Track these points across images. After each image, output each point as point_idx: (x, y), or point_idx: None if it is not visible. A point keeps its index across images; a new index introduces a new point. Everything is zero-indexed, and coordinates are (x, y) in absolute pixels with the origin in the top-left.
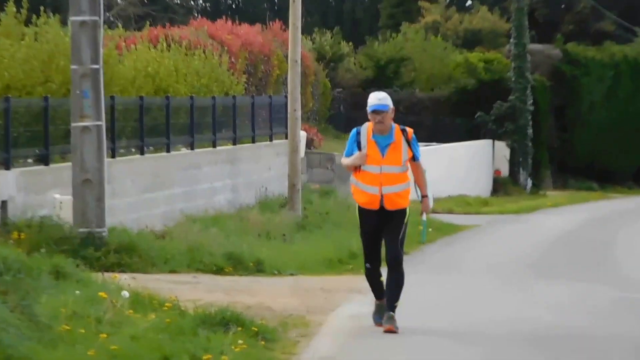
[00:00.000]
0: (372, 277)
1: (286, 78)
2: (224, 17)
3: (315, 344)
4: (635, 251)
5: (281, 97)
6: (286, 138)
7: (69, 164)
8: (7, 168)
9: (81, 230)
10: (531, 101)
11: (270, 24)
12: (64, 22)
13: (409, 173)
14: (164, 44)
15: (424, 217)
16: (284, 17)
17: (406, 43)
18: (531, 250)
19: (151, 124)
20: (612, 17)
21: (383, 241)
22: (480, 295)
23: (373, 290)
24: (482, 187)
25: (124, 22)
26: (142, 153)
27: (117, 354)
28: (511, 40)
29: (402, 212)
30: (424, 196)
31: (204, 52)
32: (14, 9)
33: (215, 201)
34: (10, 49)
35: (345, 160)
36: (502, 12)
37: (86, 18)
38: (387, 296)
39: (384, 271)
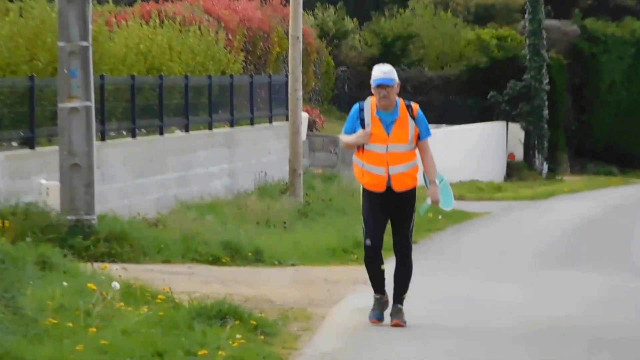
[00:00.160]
0: (373, 261)
1: (287, 56)
2: None
3: (318, 338)
4: None
5: (281, 76)
6: (287, 120)
7: (56, 147)
8: None
9: (69, 217)
10: (547, 80)
11: None
12: None
13: (417, 153)
14: (157, 20)
15: (429, 201)
16: None
17: (414, 19)
18: (547, 239)
19: (143, 104)
20: None
21: (391, 229)
22: (492, 286)
23: (371, 280)
24: (495, 171)
25: None
26: (133, 136)
27: (107, 349)
28: (526, 15)
29: (411, 195)
30: (432, 183)
31: (200, 28)
32: None
33: (211, 187)
34: None
35: (346, 138)
36: None
37: None
38: (395, 287)
39: (388, 264)
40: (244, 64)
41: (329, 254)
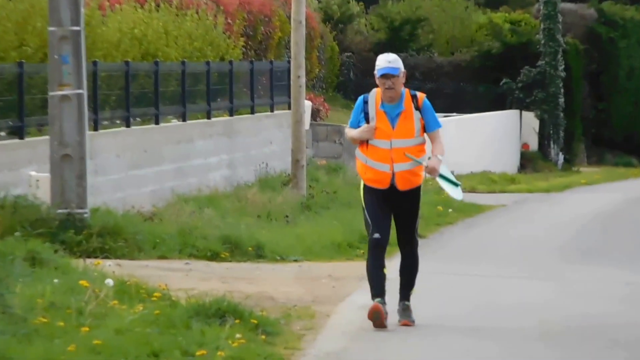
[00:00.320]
0: (376, 262)
1: (289, 41)
2: None
3: (322, 338)
4: None
5: (283, 62)
6: (289, 108)
7: (47, 137)
8: None
9: (60, 211)
10: (563, 67)
11: None
12: None
13: (426, 147)
14: (152, 4)
15: (425, 163)
16: None
17: (423, 2)
18: (563, 233)
19: (138, 92)
20: None
21: (394, 226)
22: (505, 284)
23: (371, 282)
24: (508, 162)
25: None
26: (128, 125)
27: (101, 350)
28: None
29: (416, 193)
30: (434, 156)
31: (197, 12)
32: None
33: (209, 179)
34: None
35: (351, 133)
36: None
37: None
38: (401, 283)
39: (392, 261)
40: (244, 49)
41: (333, 249)
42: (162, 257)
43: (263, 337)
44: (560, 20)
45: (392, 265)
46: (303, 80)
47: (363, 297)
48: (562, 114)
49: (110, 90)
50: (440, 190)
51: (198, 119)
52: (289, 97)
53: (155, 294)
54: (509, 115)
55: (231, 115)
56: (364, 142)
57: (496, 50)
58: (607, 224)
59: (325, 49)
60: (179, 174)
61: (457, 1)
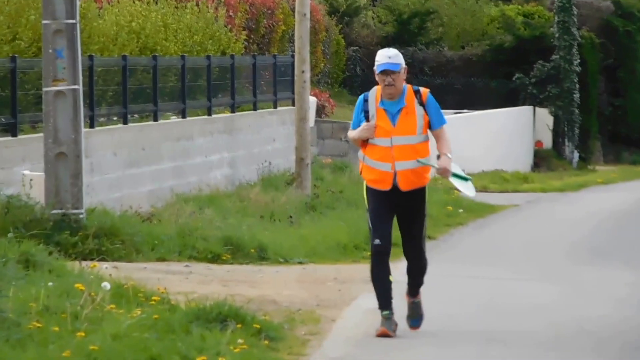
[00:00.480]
0: (381, 269)
1: (293, 35)
2: None
3: (328, 343)
4: None
5: (287, 56)
6: (293, 104)
7: (40, 134)
8: None
9: (55, 211)
10: (578, 61)
11: None
12: None
13: (430, 146)
14: None
15: (436, 164)
16: None
17: None
18: (577, 234)
19: (136, 88)
20: None
21: (400, 232)
22: (517, 286)
23: (377, 292)
24: (521, 161)
25: None
26: (125, 122)
27: (97, 356)
28: None
29: (421, 194)
30: (444, 154)
31: (198, 4)
32: None
33: (210, 178)
34: None
35: (352, 134)
36: None
37: None
38: (409, 283)
39: (399, 263)
40: (246, 43)
41: (339, 251)
42: (161, 259)
43: (266, 342)
44: (575, 12)
45: (400, 267)
46: (307, 75)
47: (369, 300)
48: (577, 111)
49: (107, 86)
50: (450, 189)
51: (198, 115)
52: (293, 92)
53: (154, 297)
54: (521, 112)
55: (233, 111)
56: (366, 142)
57: (509, 44)
58: (623, 224)
59: (331, 42)
60: (178, 172)
61: None
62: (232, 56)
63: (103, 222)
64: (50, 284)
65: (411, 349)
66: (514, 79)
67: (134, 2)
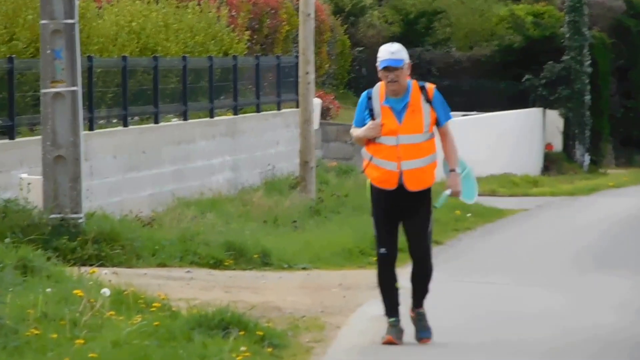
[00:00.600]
0: (387, 276)
1: (297, 35)
2: None
3: (332, 351)
4: None
5: (291, 57)
6: (297, 106)
7: (39, 137)
8: None
9: (53, 216)
10: (589, 62)
11: None
12: None
13: (435, 144)
14: None
15: (448, 192)
16: None
17: None
18: (588, 240)
19: (136, 89)
20: None
21: (404, 231)
22: (526, 293)
23: (384, 299)
24: (530, 164)
25: None
26: (125, 124)
27: None
28: None
29: (426, 194)
30: (452, 170)
31: (199, 4)
32: None
33: (212, 181)
34: None
35: (356, 132)
36: None
37: None
38: (413, 291)
39: (405, 268)
40: (249, 43)
41: (344, 256)
42: (162, 264)
43: (269, 350)
44: (587, 12)
45: (406, 273)
46: (312, 76)
47: (375, 307)
48: (588, 113)
49: (107, 87)
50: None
51: (200, 117)
52: (297, 94)
53: (155, 304)
54: (531, 114)
55: (235, 114)
56: (370, 140)
57: (518, 44)
58: (635, 229)
59: (336, 43)
60: (179, 176)
61: None
62: (234, 57)
63: (103, 227)
64: (48, 290)
65: (418, 357)
66: (523, 80)
67: (134, 1)
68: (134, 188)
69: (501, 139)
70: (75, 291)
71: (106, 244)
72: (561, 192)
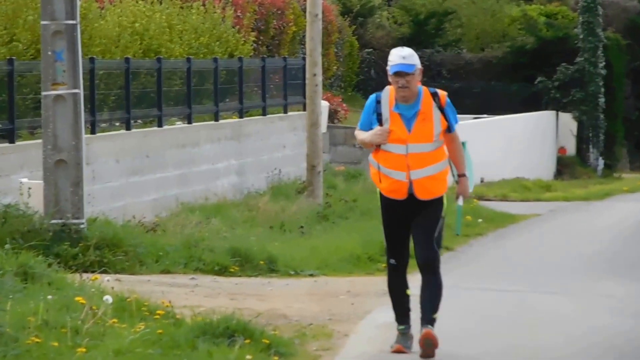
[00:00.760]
0: (397, 283)
1: (304, 36)
2: None
3: (340, 359)
4: None
5: (298, 59)
6: (304, 109)
7: (39, 141)
8: None
9: (54, 221)
10: (603, 63)
11: None
12: None
13: (445, 149)
14: None
15: (460, 201)
16: None
17: None
18: (602, 246)
19: (139, 92)
20: None
21: (413, 237)
22: (538, 300)
23: (395, 306)
24: (543, 168)
25: None
26: (128, 128)
27: None
28: None
29: (438, 202)
30: (461, 175)
31: (204, 4)
32: None
33: (217, 186)
34: None
35: (361, 136)
36: None
37: None
38: (422, 308)
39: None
40: (254, 45)
41: (352, 263)
42: (166, 271)
43: (275, 358)
44: (601, 12)
45: (416, 280)
46: (319, 78)
47: (384, 314)
48: (602, 115)
49: (109, 90)
50: (470, 199)
51: (205, 121)
52: (304, 97)
53: (158, 311)
54: (544, 117)
55: (241, 116)
56: (377, 147)
57: (530, 45)
58: None
59: (344, 44)
60: (183, 180)
61: None
62: (240, 59)
63: (105, 233)
64: (49, 297)
65: None
66: (536, 82)
67: (137, 2)
68: (137, 193)
69: (513, 143)
70: (76, 298)
71: (108, 250)
72: (574, 197)
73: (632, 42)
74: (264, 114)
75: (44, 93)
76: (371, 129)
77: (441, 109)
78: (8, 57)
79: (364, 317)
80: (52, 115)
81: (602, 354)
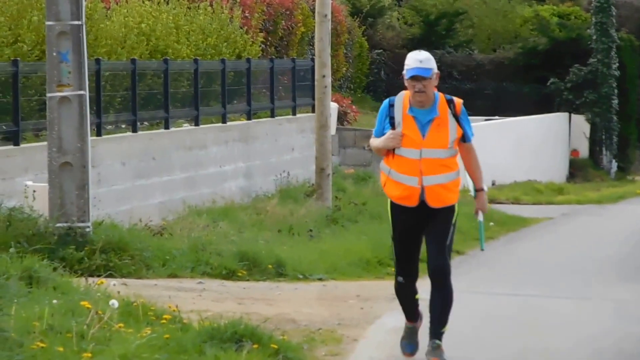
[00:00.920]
0: (405, 295)
1: (313, 37)
2: None
3: None
4: None
5: (307, 60)
6: (313, 111)
7: (44, 143)
8: None
9: (59, 225)
10: (617, 65)
11: None
12: None
13: (458, 159)
14: None
15: (481, 217)
16: None
17: None
18: (615, 249)
19: (146, 93)
20: None
21: (425, 244)
22: (552, 306)
23: (404, 309)
24: (555, 171)
25: None
26: (134, 130)
27: None
28: None
29: (449, 210)
30: (479, 190)
31: (211, 5)
32: None
33: (225, 189)
34: None
35: (375, 142)
36: None
37: None
38: (431, 320)
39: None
40: (263, 46)
41: (361, 267)
42: (172, 275)
43: None
44: (614, 13)
45: (427, 284)
46: (328, 80)
47: (394, 319)
48: (615, 117)
49: (115, 91)
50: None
51: (212, 123)
52: (313, 98)
53: (165, 316)
54: (556, 119)
55: (249, 119)
56: (390, 152)
57: (543, 46)
58: None
59: (353, 45)
60: (190, 183)
61: None
62: (248, 60)
63: (111, 236)
64: (54, 301)
65: None
66: (548, 84)
67: (143, 2)
68: (144, 196)
69: (525, 145)
70: (82, 303)
71: (114, 253)
72: (587, 200)
73: None
74: (272, 115)
75: (49, 95)
76: (384, 134)
77: (456, 117)
78: (13, 58)
79: (373, 322)
80: (57, 117)
81: (611, 357)
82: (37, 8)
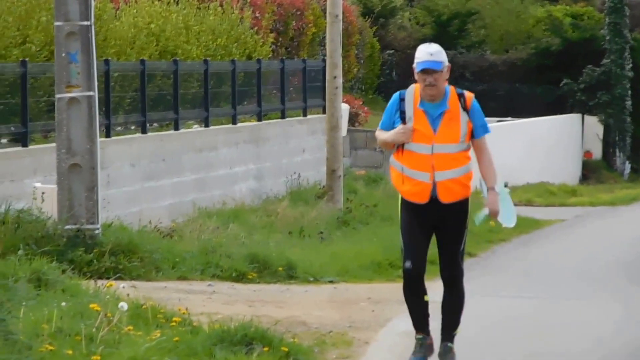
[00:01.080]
0: (414, 290)
1: (324, 37)
2: None
3: None
4: None
5: (318, 61)
6: (324, 112)
7: (53, 144)
8: None
9: (68, 227)
10: (630, 65)
11: None
12: None
13: (471, 152)
14: None
15: (486, 211)
16: None
17: None
18: (629, 252)
19: (155, 94)
20: None
21: (437, 249)
22: (563, 307)
23: (412, 314)
24: (568, 172)
25: None
26: (144, 131)
27: None
28: None
29: (462, 207)
30: (491, 189)
31: (222, 5)
32: None
33: (235, 191)
34: None
35: (382, 135)
36: None
37: None
38: (443, 322)
39: (434, 285)
40: (273, 46)
41: (373, 269)
42: (182, 278)
43: None
44: (628, 13)
45: (436, 287)
46: (340, 81)
47: (405, 322)
48: (629, 119)
49: (124, 92)
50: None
51: (222, 124)
52: (324, 100)
53: (175, 318)
54: (569, 120)
55: (259, 120)
56: (399, 148)
57: (556, 47)
58: None
59: (365, 46)
60: (200, 185)
61: None
62: (258, 60)
63: (120, 238)
64: (63, 304)
65: None
66: (561, 84)
67: (153, 2)
68: (153, 198)
69: (537, 147)
70: (91, 305)
71: (124, 256)
72: (600, 202)
73: None
74: (282, 117)
75: (57, 96)
76: (393, 128)
77: (466, 111)
78: (21, 59)
79: (384, 325)
80: (66, 119)
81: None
82: (45, 8)
